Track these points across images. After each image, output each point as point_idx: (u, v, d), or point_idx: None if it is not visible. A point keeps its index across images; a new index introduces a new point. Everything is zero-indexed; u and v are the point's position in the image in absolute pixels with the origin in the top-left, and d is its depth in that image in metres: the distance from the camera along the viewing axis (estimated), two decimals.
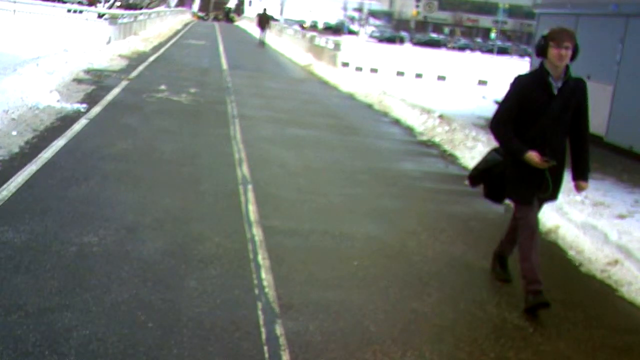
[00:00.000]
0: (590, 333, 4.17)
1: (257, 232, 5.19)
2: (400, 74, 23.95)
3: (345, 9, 77.33)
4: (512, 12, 70.44)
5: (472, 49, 67.83)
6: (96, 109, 9.49)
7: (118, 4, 42.15)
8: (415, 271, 4.86)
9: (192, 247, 4.75)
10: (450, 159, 9.21)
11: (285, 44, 31.60)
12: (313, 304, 4.07)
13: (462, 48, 68.46)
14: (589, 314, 4.47)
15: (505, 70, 25.99)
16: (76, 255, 4.35)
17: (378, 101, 14.31)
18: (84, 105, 9.52)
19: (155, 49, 21.75)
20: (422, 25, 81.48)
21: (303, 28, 50.72)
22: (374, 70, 23.82)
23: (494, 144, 4.66)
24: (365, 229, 5.66)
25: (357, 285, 4.46)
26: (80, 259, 4.30)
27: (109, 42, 19.54)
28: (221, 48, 26.92)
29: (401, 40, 69.26)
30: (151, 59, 18.09)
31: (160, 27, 32.15)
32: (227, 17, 74.95)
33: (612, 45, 11.46)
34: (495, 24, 69.63)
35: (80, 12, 33.88)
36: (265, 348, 3.48)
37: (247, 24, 54.10)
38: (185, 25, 44.52)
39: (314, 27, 68.95)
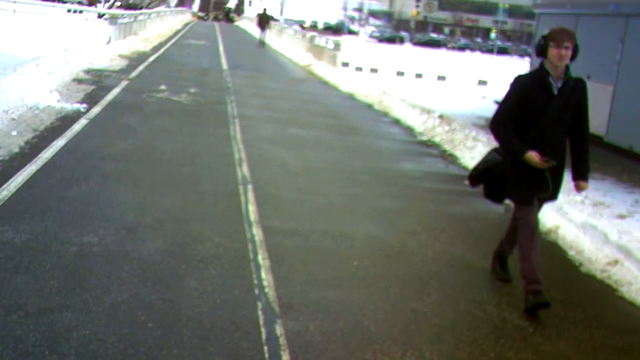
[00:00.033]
0: (590, 333, 4.17)
1: (257, 232, 5.19)
2: (400, 74, 23.95)
3: (345, 9, 77.34)
4: (512, 12, 70.45)
5: (472, 49, 67.84)
6: (96, 109, 9.49)
7: (118, 4, 42.15)
8: (415, 271, 4.86)
9: (192, 247, 4.75)
10: (450, 159, 9.21)
11: (285, 44, 31.60)
12: (313, 304, 4.07)
13: (462, 48, 68.46)
14: (589, 314, 4.47)
15: (505, 70, 25.99)
16: (76, 255, 4.35)
17: (378, 101, 14.31)
18: (84, 105, 9.52)
19: (155, 49, 21.75)
20: (422, 25, 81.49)
21: (303, 28, 50.72)
22: (374, 70, 23.82)
23: (494, 144, 4.66)
24: (365, 229, 5.66)
25: (357, 285, 4.46)
26: (80, 259, 4.30)
27: (109, 42, 19.54)
28: (221, 48, 26.92)
29: (401, 40, 69.26)
30: (151, 59, 18.09)
31: (160, 27, 32.15)
32: (227, 17, 74.95)
33: (612, 45, 11.46)
34: (495, 24, 69.63)
35: (80, 12, 33.88)
36: (265, 348, 3.48)
37: (247, 24, 54.10)
38: (185, 25, 44.53)
39: (314, 27, 68.95)
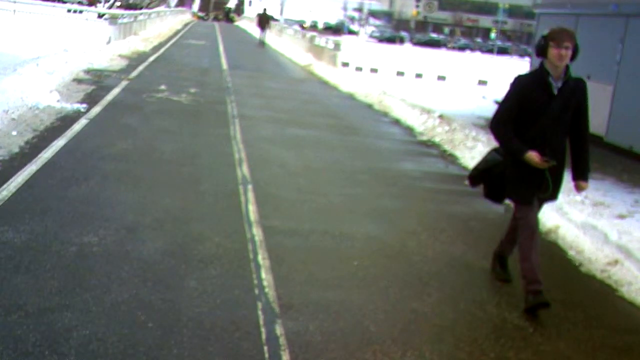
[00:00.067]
0: (590, 333, 4.17)
1: (257, 232, 5.19)
2: (400, 74, 23.95)
3: (345, 9, 77.34)
4: (512, 12, 70.45)
5: (472, 49, 67.83)
6: (96, 109, 9.49)
7: (118, 4, 42.15)
8: (415, 271, 4.86)
9: (192, 247, 4.75)
10: (450, 159, 9.21)
11: (285, 44, 31.60)
12: (313, 304, 4.07)
13: (462, 48, 68.46)
14: (589, 314, 4.47)
15: (505, 70, 25.99)
16: (76, 255, 4.35)
17: (378, 101, 14.31)
18: (84, 105, 9.52)
19: (155, 49, 21.75)
20: (422, 25, 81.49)
21: (303, 28, 50.72)
22: (374, 70, 23.82)
23: (494, 144, 4.66)
24: (365, 229, 5.66)
25: (357, 285, 4.46)
26: (80, 259, 4.30)
27: (109, 42, 19.55)
28: (221, 48, 26.92)
29: (401, 40, 69.26)
30: (151, 59, 18.09)
31: (160, 27, 32.15)
32: (227, 17, 74.95)
33: (612, 45, 11.46)
34: (495, 24, 69.63)
35: (80, 12, 33.88)
36: (265, 348, 3.48)
37: (247, 24, 54.10)
38: (185, 25, 44.53)
39: (314, 27, 68.95)
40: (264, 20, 33.12)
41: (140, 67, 15.53)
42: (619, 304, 4.74)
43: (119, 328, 3.49)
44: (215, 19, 74.22)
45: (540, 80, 4.26)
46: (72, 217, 5.05)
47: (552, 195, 4.45)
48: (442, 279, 4.77)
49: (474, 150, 9.03)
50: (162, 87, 12.66)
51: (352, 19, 79.79)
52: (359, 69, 23.32)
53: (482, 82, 23.18)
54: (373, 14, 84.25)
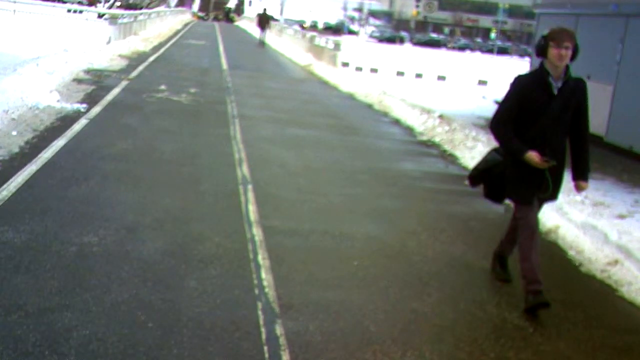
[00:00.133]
0: (590, 333, 4.17)
1: (257, 232, 5.19)
2: (400, 74, 23.95)
3: (345, 9, 77.34)
4: (512, 12, 70.45)
5: (472, 49, 67.83)
6: (96, 109, 9.49)
7: (118, 4, 42.15)
8: (415, 271, 4.86)
9: (192, 247, 4.75)
10: (450, 159, 9.21)
11: (285, 44, 31.60)
12: (313, 304, 4.07)
13: (462, 48, 68.46)
14: (589, 314, 4.47)
15: (505, 70, 25.99)
16: (76, 255, 4.35)
17: (378, 101, 14.31)
18: (84, 105, 9.52)
19: (155, 49, 21.76)
20: (422, 25, 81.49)
21: (303, 28, 50.72)
22: (374, 70, 23.82)
23: (494, 144, 4.66)
24: (365, 229, 5.66)
25: (357, 285, 4.46)
26: (80, 259, 4.30)
27: (109, 42, 19.55)
28: (221, 48, 26.92)
29: (401, 40, 69.26)
30: (151, 59, 18.09)
31: (160, 27, 32.15)
32: (227, 17, 74.95)
33: (612, 45, 11.46)
34: (495, 24, 69.62)
35: (80, 12, 33.88)
36: (265, 348, 3.48)
37: (247, 24, 54.10)
38: (185, 25, 44.53)
39: (314, 27, 68.96)
40: (264, 20, 33.12)
41: (140, 67, 15.53)
42: (619, 304, 4.74)
43: (119, 328, 3.49)
44: (215, 19, 74.23)
45: (540, 80, 4.26)
46: (72, 217, 5.05)
47: (552, 195, 4.45)
48: (442, 279, 4.77)
49: (474, 150, 9.03)
50: (162, 87, 12.66)
51: (352, 19, 79.79)
52: (359, 69, 23.32)
53: (482, 82, 23.18)
54: (373, 14, 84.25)
